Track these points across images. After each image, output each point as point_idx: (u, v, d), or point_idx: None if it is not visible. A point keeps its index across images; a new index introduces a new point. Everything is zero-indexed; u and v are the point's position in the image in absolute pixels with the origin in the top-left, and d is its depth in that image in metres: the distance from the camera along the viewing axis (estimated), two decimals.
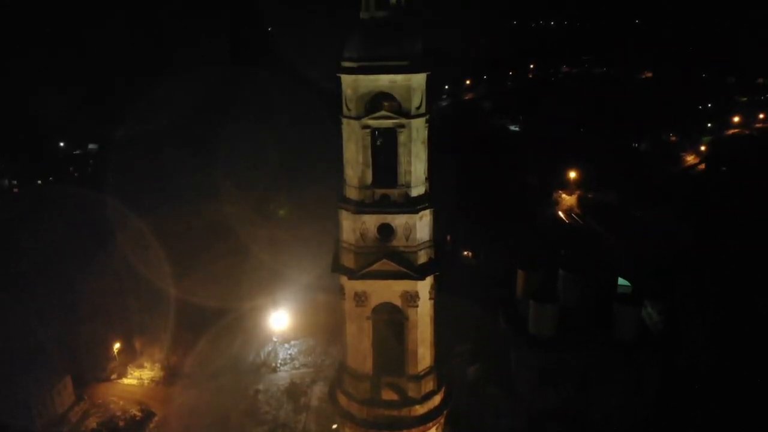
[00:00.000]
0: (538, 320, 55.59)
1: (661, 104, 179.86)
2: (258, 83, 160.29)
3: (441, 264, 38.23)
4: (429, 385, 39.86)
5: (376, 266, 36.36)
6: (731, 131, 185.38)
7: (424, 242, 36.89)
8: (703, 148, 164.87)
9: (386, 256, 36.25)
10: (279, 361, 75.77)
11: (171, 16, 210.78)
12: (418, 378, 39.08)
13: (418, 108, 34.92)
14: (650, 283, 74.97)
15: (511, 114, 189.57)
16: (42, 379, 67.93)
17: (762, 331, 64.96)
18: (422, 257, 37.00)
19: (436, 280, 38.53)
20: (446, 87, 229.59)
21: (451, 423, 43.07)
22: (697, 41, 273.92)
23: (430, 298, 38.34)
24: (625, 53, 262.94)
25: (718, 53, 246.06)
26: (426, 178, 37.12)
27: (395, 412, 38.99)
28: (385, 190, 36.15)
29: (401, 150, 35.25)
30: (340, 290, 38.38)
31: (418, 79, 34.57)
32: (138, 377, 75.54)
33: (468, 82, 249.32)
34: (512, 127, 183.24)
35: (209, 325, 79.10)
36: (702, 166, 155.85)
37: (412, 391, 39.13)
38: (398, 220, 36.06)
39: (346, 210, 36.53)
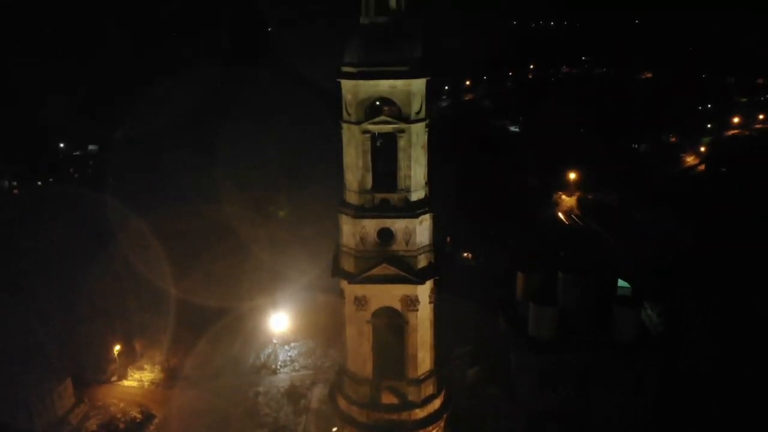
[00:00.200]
0: (538, 322, 55.68)
1: (661, 105, 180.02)
2: (258, 83, 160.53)
3: (441, 268, 38.31)
4: (429, 388, 39.95)
5: (376, 270, 36.44)
6: (731, 132, 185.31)
7: (423, 246, 36.96)
8: (702, 148, 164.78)
9: (386, 260, 36.33)
10: (279, 363, 75.80)
11: (171, 16, 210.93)
12: (418, 382, 39.17)
13: (417, 113, 34.99)
14: (650, 284, 75.06)
15: (511, 114, 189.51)
16: (42, 381, 67.95)
17: (762, 332, 64.95)
18: (422, 261, 37.08)
19: (436, 283, 38.62)
20: (446, 87, 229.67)
21: (451, 425, 43.14)
22: (697, 41, 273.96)
23: (430, 302, 38.42)
24: (625, 53, 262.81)
25: (718, 53, 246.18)
26: (426, 183, 37.20)
27: (395, 416, 39.08)
28: (384, 194, 36.23)
29: (401, 155, 35.32)
30: (340, 294, 38.48)
31: (418, 84, 34.63)
32: (138, 379, 75.53)
33: (468, 82, 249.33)
34: (512, 128, 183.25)
35: (209, 326, 79.12)
36: (702, 167, 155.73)
37: (412, 395, 39.22)
38: (398, 225, 36.13)
39: (346, 214, 36.61)
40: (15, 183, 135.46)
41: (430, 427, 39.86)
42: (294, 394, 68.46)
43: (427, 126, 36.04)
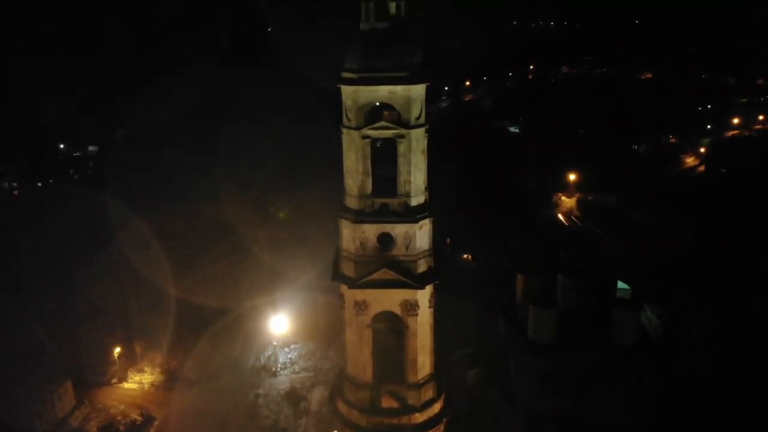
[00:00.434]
0: (538, 325, 55.77)
1: (661, 105, 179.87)
2: (258, 83, 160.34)
3: (441, 273, 38.41)
4: (429, 393, 40.07)
5: (376, 275, 36.57)
6: (731, 133, 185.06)
7: (423, 251, 37.07)
8: (702, 149, 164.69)
9: (386, 265, 36.46)
10: (279, 365, 75.83)
11: (171, 16, 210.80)
12: (418, 386, 39.28)
13: (417, 118, 35.09)
14: (650, 285, 75.18)
15: (510, 115, 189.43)
16: (43, 384, 67.99)
17: (762, 332, 65.02)
18: (422, 266, 37.19)
19: (435, 288, 38.71)
20: (446, 88, 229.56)
21: (451, 427, 43.25)
22: (697, 41, 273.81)
23: (429, 307, 38.53)
24: (625, 53, 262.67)
25: (718, 53, 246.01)
26: (426, 188, 37.29)
27: (395, 420, 39.22)
28: (384, 199, 36.35)
29: (401, 160, 35.44)
30: (340, 299, 38.59)
31: (418, 90, 34.73)
32: (138, 381, 75.58)
33: (468, 83, 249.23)
34: (512, 129, 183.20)
35: (209, 327, 79.18)
36: (702, 168, 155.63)
37: (412, 399, 39.34)
38: (398, 230, 36.25)
39: (346, 219, 36.72)
40: (15, 184, 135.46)
41: (430, 431, 39.98)
42: (294, 397, 68.51)
43: (426, 131, 36.14)
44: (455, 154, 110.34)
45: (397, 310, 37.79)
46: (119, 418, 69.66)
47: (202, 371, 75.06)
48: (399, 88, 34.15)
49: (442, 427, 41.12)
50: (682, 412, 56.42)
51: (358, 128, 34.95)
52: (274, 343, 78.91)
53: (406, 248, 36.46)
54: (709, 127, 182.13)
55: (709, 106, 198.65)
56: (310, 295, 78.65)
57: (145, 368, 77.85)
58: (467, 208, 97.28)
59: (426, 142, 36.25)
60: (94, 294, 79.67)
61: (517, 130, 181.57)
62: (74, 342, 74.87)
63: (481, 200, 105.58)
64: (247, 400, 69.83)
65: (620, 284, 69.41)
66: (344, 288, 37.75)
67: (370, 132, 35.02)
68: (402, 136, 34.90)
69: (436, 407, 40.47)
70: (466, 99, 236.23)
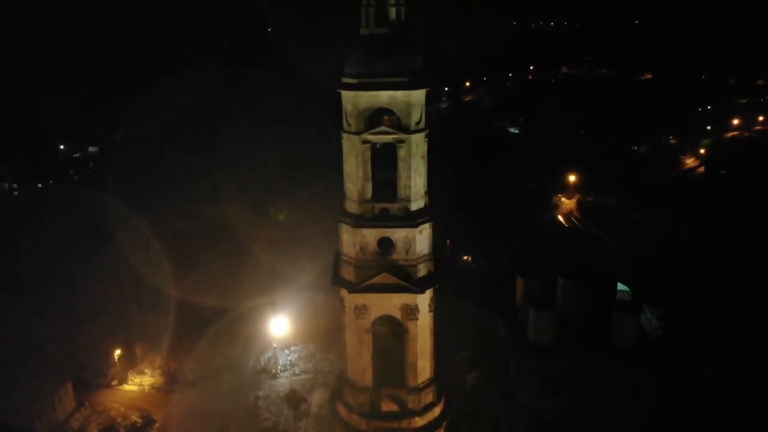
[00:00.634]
0: (538, 328, 55.93)
1: (661, 106, 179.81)
2: (258, 83, 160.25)
3: (441, 277, 38.48)
4: (429, 396, 40.16)
5: (376, 279, 36.69)
6: (731, 134, 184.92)
7: (423, 255, 37.15)
8: (702, 150, 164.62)
9: (386, 269, 36.56)
10: (279, 367, 75.70)
11: (171, 16, 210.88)
12: (418, 390, 39.37)
13: (417, 123, 35.17)
14: (650, 286, 75.29)
15: (510, 116, 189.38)
16: (43, 384, 67.93)
17: (762, 333, 65.07)
18: (422, 270, 37.26)
19: (435, 292, 38.78)
20: (446, 89, 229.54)
21: (451, 430, 43.31)
22: (697, 41, 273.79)
23: (429, 311, 38.61)
24: (625, 54, 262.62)
25: (718, 54, 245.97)
26: (426, 192, 37.35)
27: (395, 424, 39.32)
28: (384, 204, 36.44)
29: (401, 165, 35.52)
30: (341, 303, 38.67)
31: (418, 95, 34.81)
32: (138, 383, 75.46)
33: (468, 83, 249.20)
34: (512, 129, 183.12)
35: (209, 328, 79.01)
36: (701, 169, 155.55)
37: (412, 403, 39.44)
38: (398, 234, 36.33)
39: (346, 223, 36.82)
40: (15, 185, 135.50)
41: None
42: (294, 399, 68.40)
43: (426, 136, 36.21)
44: (455, 154, 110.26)
45: (397, 315, 37.89)
46: (119, 420, 69.56)
47: (202, 373, 74.98)
48: (399, 94, 34.23)
49: (442, 431, 41.19)
50: (682, 414, 56.47)
51: (358, 133, 35.04)
52: (274, 345, 78.78)
53: (406, 253, 36.55)
54: (708, 127, 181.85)
55: (709, 107, 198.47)
56: (310, 296, 78.54)
57: (146, 370, 77.77)
58: (467, 208, 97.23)
59: (426, 146, 36.34)
60: (94, 294, 79.56)
61: (516, 131, 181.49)
62: (74, 342, 74.85)
63: (481, 201, 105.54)
64: (247, 402, 69.72)
65: (620, 286, 69.51)
66: (344, 292, 37.84)
67: (371, 137, 35.11)
68: (402, 141, 34.98)
69: (436, 411, 40.56)
70: (466, 99, 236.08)
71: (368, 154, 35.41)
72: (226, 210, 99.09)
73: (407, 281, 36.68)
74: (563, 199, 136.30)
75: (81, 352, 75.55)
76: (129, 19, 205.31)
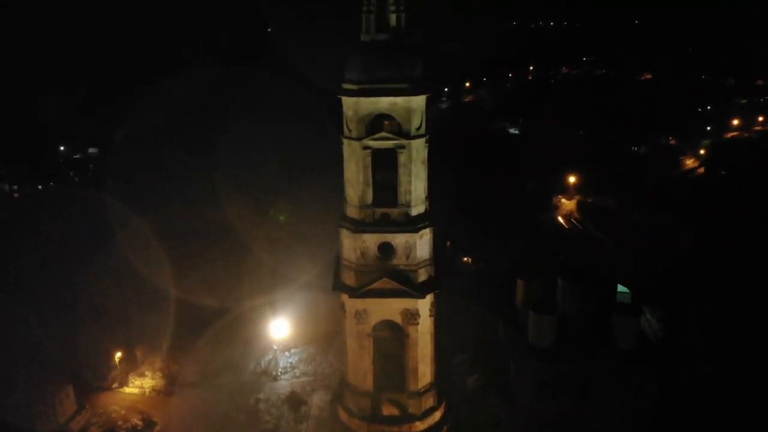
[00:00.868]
0: (538, 330, 55.97)
1: (661, 106, 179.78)
2: (258, 83, 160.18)
3: (441, 281, 38.57)
4: (429, 401, 40.28)
5: (376, 284, 36.81)
6: (731, 134, 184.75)
7: (424, 260, 37.24)
8: (702, 151, 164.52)
9: (387, 274, 36.68)
10: (279, 369, 75.61)
11: (171, 16, 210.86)
12: (418, 394, 39.48)
13: (418, 129, 35.26)
14: (650, 288, 75.33)
15: (510, 116, 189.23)
16: (43, 386, 67.80)
17: (762, 335, 65.13)
18: (422, 275, 37.36)
19: (436, 297, 38.85)
20: (446, 89, 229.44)
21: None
22: (697, 41, 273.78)
23: (430, 316, 38.72)
24: (625, 54, 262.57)
25: (718, 54, 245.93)
26: (426, 197, 37.42)
27: (396, 428, 39.46)
28: (385, 209, 36.55)
29: (401, 170, 35.62)
30: (341, 307, 38.75)
31: (418, 101, 34.90)
32: (139, 386, 75.28)
33: (468, 84, 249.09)
34: (512, 130, 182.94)
35: (209, 328, 78.96)
36: (701, 170, 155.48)
37: (412, 408, 39.56)
38: (398, 239, 36.43)
39: (347, 229, 36.92)
40: (15, 187, 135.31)
41: None
42: (295, 401, 68.31)
43: (427, 141, 36.27)
44: (455, 155, 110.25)
45: (398, 319, 37.99)
46: (120, 422, 69.45)
47: (202, 375, 74.94)
48: (400, 100, 34.32)
49: None
50: (682, 415, 56.59)
51: (358, 139, 35.13)
52: (275, 347, 78.73)
53: (407, 258, 36.65)
54: (708, 128, 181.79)
55: (708, 107, 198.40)
56: (310, 296, 78.54)
57: (146, 372, 77.70)
58: (467, 209, 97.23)
59: (426, 152, 36.42)
60: (94, 294, 79.41)
61: (516, 132, 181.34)
62: (74, 342, 74.78)
63: (481, 202, 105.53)
64: (248, 404, 69.63)
65: (620, 287, 69.67)
66: (345, 297, 37.94)
67: (371, 143, 35.21)
68: (403, 147, 35.08)
69: (437, 415, 40.69)
70: (466, 100, 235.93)
71: (369, 159, 35.51)
72: (226, 210, 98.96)
73: (408, 286, 36.79)
74: (563, 200, 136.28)
75: (81, 353, 75.47)
76: (129, 19, 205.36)
